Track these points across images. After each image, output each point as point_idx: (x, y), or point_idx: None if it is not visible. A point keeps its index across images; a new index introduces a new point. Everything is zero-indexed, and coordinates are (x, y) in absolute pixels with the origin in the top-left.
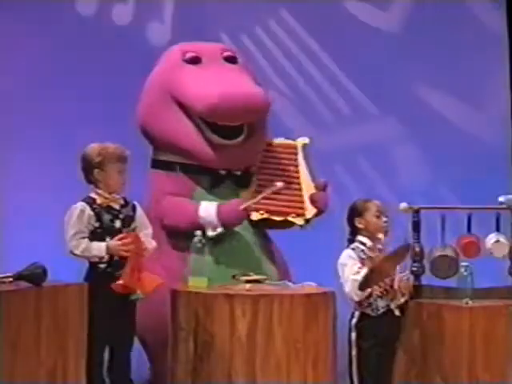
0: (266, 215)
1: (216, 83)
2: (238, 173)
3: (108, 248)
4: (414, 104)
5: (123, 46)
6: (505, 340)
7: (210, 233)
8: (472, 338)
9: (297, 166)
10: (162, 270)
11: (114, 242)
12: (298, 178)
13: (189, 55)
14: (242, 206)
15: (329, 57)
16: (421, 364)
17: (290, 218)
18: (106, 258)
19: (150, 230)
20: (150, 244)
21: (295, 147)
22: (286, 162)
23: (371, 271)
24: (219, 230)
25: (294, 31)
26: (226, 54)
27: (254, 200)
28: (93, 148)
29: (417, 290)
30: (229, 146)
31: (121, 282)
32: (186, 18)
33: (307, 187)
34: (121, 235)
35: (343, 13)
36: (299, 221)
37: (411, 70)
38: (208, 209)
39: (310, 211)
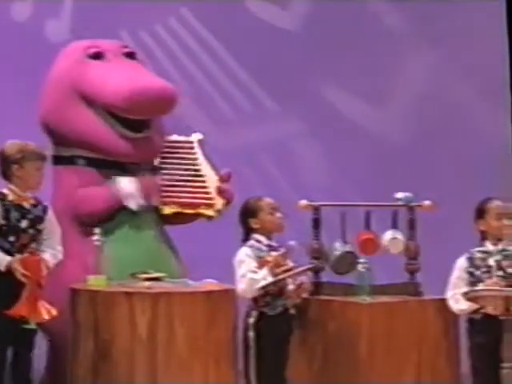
0: (177, 209)
1: (126, 78)
2: (145, 166)
3: (8, 265)
4: (315, 101)
5: (21, 43)
6: (403, 336)
7: (133, 205)
8: (371, 333)
9: (196, 160)
10: (79, 267)
11: (15, 264)
12: (199, 171)
13: (92, 50)
14: (158, 179)
15: (230, 54)
16: (321, 361)
17: (201, 210)
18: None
19: (57, 236)
20: (55, 258)
21: (192, 143)
22: (185, 156)
23: (273, 283)
24: (140, 201)
25: (195, 29)
26: (126, 50)
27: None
28: (13, 144)
29: (316, 287)
30: (137, 139)
31: (15, 309)
32: (85, 15)
33: (211, 180)
34: (24, 256)
35: (244, 11)
36: (211, 212)
37: (312, 67)
38: (127, 180)
39: (219, 202)
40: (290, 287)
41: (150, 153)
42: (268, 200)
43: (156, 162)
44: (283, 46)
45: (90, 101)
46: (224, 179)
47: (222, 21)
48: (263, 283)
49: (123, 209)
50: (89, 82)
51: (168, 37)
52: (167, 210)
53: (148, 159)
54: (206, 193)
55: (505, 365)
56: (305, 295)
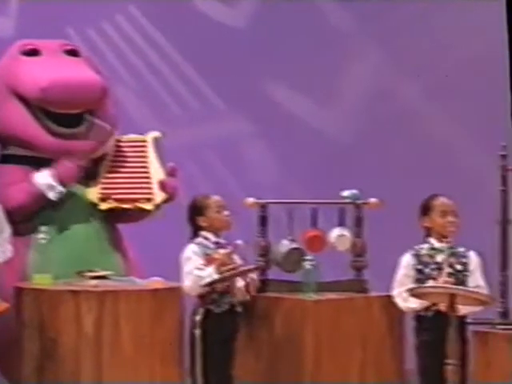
0: (114, 204)
1: (50, 70)
2: (85, 164)
3: None
4: (262, 100)
5: None
6: (349, 332)
7: (52, 195)
8: (317, 330)
9: (146, 157)
10: (19, 266)
11: None
12: (145, 166)
13: (27, 47)
14: (73, 162)
15: (177, 52)
16: (268, 359)
17: (138, 205)
18: None
19: (6, 234)
20: (3, 256)
21: (145, 141)
22: (135, 154)
23: (218, 281)
24: (59, 188)
25: (143, 27)
26: (67, 47)
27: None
28: None
29: (263, 285)
30: (69, 136)
31: None
32: (32, 13)
33: (156, 174)
34: None
35: (192, 9)
36: (148, 206)
37: (259, 66)
38: (42, 173)
39: (159, 196)
40: (239, 285)
41: (81, 149)
42: (215, 198)
43: (104, 158)
44: (231, 45)
45: (20, 96)
46: (168, 173)
47: (169, 18)
48: (208, 280)
49: (49, 202)
50: (16, 76)
51: (115, 34)
52: (104, 206)
53: (79, 155)
54: (147, 187)
55: (449, 361)
56: (253, 292)
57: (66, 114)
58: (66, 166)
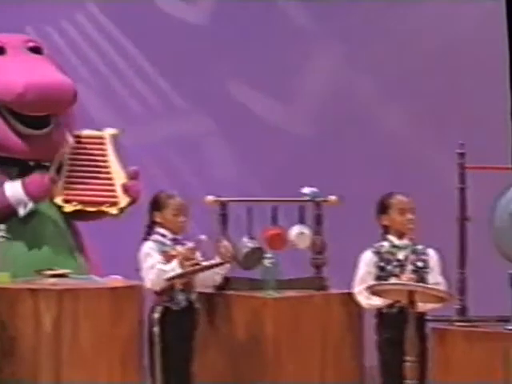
0: (79, 206)
1: (22, 73)
2: (47, 163)
3: None
4: (223, 98)
5: None
6: (308, 330)
7: (22, 211)
8: (276, 328)
9: (105, 156)
10: None
11: None
12: (107, 167)
13: None
14: (47, 177)
15: (137, 50)
16: (228, 357)
17: (104, 209)
18: None
19: None
20: None
21: (103, 138)
22: (95, 152)
23: (182, 275)
24: (30, 206)
25: (102, 25)
26: (31, 44)
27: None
28: None
29: (224, 282)
30: (37, 137)
31: None
32: None
33: (118, 177)
34: None
35: (151, 6)
36: (113, 210)
37: (220, 64)
38: (14, 187)
39: (123, 200)
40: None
41: (50, 150)
42: (177, 200)
43: (64, 158)
44: (192, 43)
45: None
46: (131, 177)
47: (129, 16)
48: (172, 274)
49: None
50: None
51: (75, 33)
52: (69, 208)
53: (47, 157)
54: (111, 190)
55: (408, 358)
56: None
57: (34, 115)
58: (40, 181)
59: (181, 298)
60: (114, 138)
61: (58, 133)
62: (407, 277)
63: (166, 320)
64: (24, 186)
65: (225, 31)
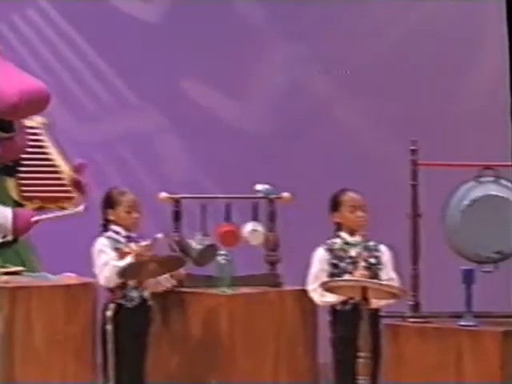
0: (40, 204)
1: (7, 81)
2: (10, 163)
3: None
4: (176, 95)
5: None
6: (262, 326)
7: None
8: (231, 325)
9: (44, 147)
10: None
11: None
12: (52, 160)
13: None
14: (35, 219)
15: (90, 47)
16: (182, 354)
17: (61, 204)
18: None
19: None
20: None
21: (37, 128)
22: (35, 144)
23: (135, 265)
24: (8, 238)
25: (54, 20)
26: None
27: (49, 216)
28: None
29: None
30: (7, 139)
31: None
32: None
33: (65, 171)
34: None
35: (105, 3)
36: (69, 205)
37: (173, 61)
38: (4, 213)
39: (75, 194)
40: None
41: (17, 152)
42: (129, 197)
43: None
44: (144, 39)
45: None
46: (77, 170)
47: (82, 13)
48: (125, 263)
49: None
50: None
51: (27, 29)
52: (31, 206)
53: (15, 158)
54: (63, 185)
55: (361, 354)
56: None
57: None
58: (28, 218)
59: (134, 295)
60: (47, 127)
61: (21, 135)
62: (360, 273)
63: (119, 317)
64: (14, 219)
65: (179, 29)
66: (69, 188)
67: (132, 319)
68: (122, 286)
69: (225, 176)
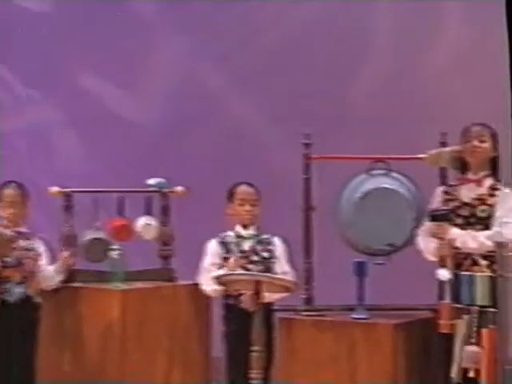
0: None
1: None
2: None
3: None
4: (71, 87)
5: None
6: (156, 321)
7: None
8: (124, 320)
9: None
10: None
11: None
12: None
13: None
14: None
15: None
16: (74, 351)
17: None
18: None
19: None
20: None
21: None
22: None
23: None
24: None
25: None
26: None
27: None
28: None
29: (69, 274)
30: None
31: None
32: None
33: None
34: None
35: None
36: None
37: (67, 52)
38: None
39: None
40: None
41: None
42: (8, 191)
43: None
44: (37, 30)
45: None
46: None
47: None
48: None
49: None
50: None
51: None
52: None
53: None
54: None
55: (255, 348)
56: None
57: None
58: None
59: (17, 290)
60: None
61: None
62: (235, 261)
63: (1, 313)
64: None
65: (70, 18)
66: None
67: (14, 315)
68: (5, 281)
69: (120, 170)
